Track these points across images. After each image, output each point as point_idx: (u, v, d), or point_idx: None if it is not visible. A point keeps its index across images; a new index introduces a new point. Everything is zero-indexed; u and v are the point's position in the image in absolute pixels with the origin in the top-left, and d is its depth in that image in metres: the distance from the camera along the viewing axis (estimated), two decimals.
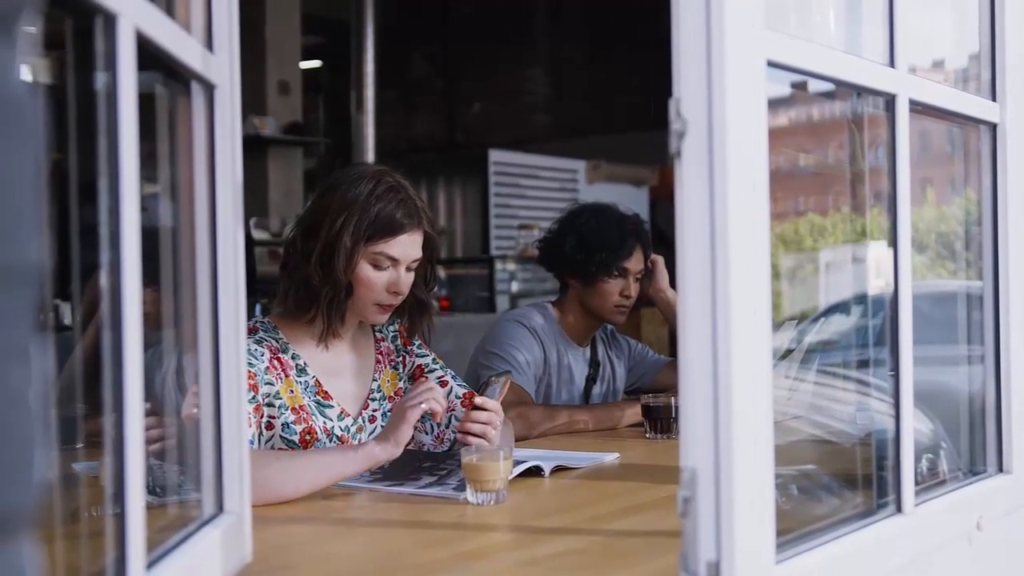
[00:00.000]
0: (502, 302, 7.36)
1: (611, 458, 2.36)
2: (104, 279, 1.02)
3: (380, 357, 2.39)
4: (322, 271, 2.17)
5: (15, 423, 0.54)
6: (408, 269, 2.24)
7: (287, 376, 2.20)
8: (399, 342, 2.43)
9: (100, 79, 1.02)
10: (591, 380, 3.14)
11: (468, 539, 1.69)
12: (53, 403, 0.62)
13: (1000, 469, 1.82)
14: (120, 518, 1.01)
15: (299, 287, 2.21)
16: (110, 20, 1.00)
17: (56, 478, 1.01)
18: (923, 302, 1.66)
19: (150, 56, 1.12)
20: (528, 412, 2.79)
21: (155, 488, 1.37)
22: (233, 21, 1.40)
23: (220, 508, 1.38)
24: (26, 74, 0.57)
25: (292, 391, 2.19)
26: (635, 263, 3.02)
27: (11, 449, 0.54)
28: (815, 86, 1.57)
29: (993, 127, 1.82)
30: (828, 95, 1.75)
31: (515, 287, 7.54)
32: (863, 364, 1.97)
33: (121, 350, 1.01)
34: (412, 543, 1.65)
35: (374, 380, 2.36)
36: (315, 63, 10.49)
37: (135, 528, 1.02)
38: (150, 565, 1.09)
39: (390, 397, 2.36)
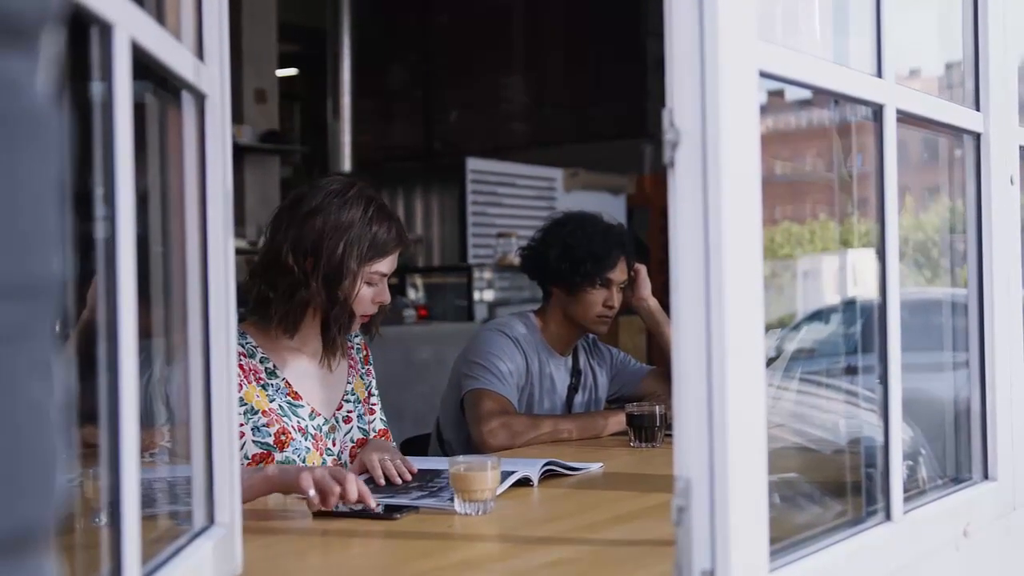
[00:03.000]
0: (480, 311, 7.35)
1: (596, 467, 2.36)
2: (99, 289, 1.01)
3: (352, 363, 2.47)
4: (328, 295, 2.24)
5: (38, 437, 0.54)
6: (388, 280, 2.35)
7: (251, 383, 2.24)
8: (361, 356, 2.51)
9: (95, 88, 1.01)
10: (573, 389, 3.14)
11: (458, 549, 1.69)
12: (74, 416, 0.61)
13: (985, 476, 1.83)
14: (115, 530, 1.00)
15: (298, 309, 2.26)
16: (106, 30, 1.00)
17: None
18: (902, 310, 1.67)
19: (141, 65, 1.11)
20: (512, 421, 2.79)
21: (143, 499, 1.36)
22: (224, 30, 1.39)
23: (211, 520, 1.37)
24: (48, 87, 0.57)
25: (258, 396, 2.24)
26: (619, 274, 3.02)
27: (34, 464, 0.53)
28: (792, 94, 1.58)
29: (977, 136, 1.84)
30: (805, 103, 1.76)
31: (493, 295, 7.53)
32: (845, 372, 1.98)
33: (116, 361, 1.00)
34: (402, 554, 1.65)
35: (348, 383, 2.43)
36: (291, 71, 10.46)
37: (130, 541, 1.01)
38: None
39: (363, 401, 2.45)
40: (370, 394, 2.51)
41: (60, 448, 0.56)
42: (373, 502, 1.86)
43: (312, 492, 1.82)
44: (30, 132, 0.55)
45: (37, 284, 0.54)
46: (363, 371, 2.50)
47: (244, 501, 1.93)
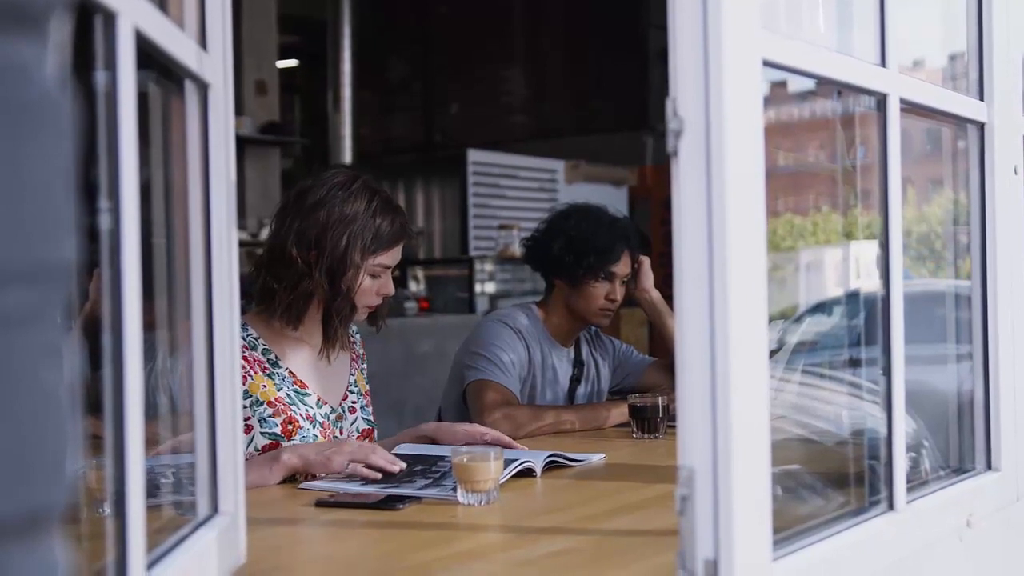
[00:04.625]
0: (481, 303, 7.35)
1: (598, 458, 2.36)
2: (104, 280, 1.01)
3: (354, 356, 2.50)
4: (330, 286, 2.26)
5: (48, 422, 0.54)
6: (391, 271, 2.37)
7: (257, 373, 2.26)
8: (360, 352, 2.55)
9: (99, 77, 1.01)
10: (575, 380, 3.14)
11: (461, 540, 1.69)
12: (82, 401, 0.61)
13: (989, 467, 1.83)
14: (120, 520, 1.00)
15: (301, 300, 2.28)
16: (110, 18, 0.99)
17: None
18: (905, 302, 1.67)
19: (144, 54, 1.11)
20: (515, 412, 2.79)
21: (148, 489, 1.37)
22: (226, 20, 1.39)
23: (215, 509, 1.37)
24: (58, 71, 0.57)
25: (265, 386, 2.26)
26: (623, 267, 3.02)
27: (45, 448, 0.53)
28: (795, 85, 1.58)
29: (981, 126, 1.83)
30: (809, 94, 1.76)
31: (495, 288, 7.53)
32: (848, 364, 1.98)
33: (121, 352, 1.00)
34: (405, 544, 1.65)
35: (351, 375, 2.46)
36: (292, 62, 10.46)
37: (135, 530, 1.01)
38: (149, 566, 1.08)
39: (364, 394, 2.48)
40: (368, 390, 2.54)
41: (71, 433, 0.56)
42: (400, 465, 2.07)
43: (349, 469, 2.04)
44: (40, 118, 0.55)
45: (48, 269, 0.54)
46: (362, 367, 2.53)
47: (258, 486, 1.99)
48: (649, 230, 7.57)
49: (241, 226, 7.18)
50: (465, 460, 1.87)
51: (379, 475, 2.04)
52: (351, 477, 2.07)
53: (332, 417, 2.35)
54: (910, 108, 1.62)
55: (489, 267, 7.54)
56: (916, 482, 1.71)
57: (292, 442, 2.22)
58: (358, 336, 2.54)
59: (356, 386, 2.46)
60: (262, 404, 2.23)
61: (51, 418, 0.54)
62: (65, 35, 0.61)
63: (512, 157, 8.27)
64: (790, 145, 2.04)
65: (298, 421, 2.25)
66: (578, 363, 3.15)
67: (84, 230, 1.02)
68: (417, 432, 2.46)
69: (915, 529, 1.58)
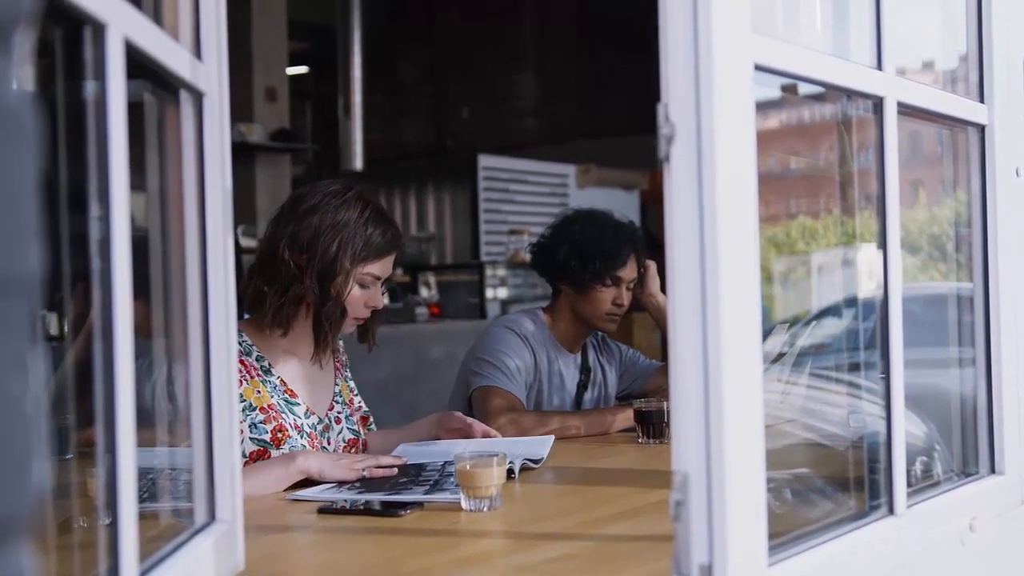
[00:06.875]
0: (492, 308, 7.35)
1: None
2: (95, 289, 1.01)
3: (338, 366, 2.52)
4: (320, 291, 2.28)
5: (13, 431, 0.54)
6: (383, 284, 2.39)
7: (252, 378, 2.28)
8: (344, 359, 2.57)
9: (89, 88, 1.02)
10: (582, 386, 3.14)
11: (463, 545, 1.69)
12: (48, 412, 0.62)
13: (992, 470, 1.82)
14: (113, 528, 1.01)
15: (291, 304, 2.29)
16: (99, 29, 1.00)
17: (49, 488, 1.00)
18: (914, 304, 1.66)
19: (138, 64, 1.12)
20: (520, 418, 2.79)
21: (144, 496, 1.37)
22: (221, 29, 1.39)
23: (212, 517, 1.37)
24: (22, 83, 0.57)
25: (259, 392, 2.28)
26: (629, 272, 3.01)
27: (9, 457, 0.54)
28: (804, 89, 1.58)
29: (981, 128, 1.83)
30: (817, 98, 1.76)
31: (506, 293, 7.53)
32: (855, 367, 1.98)
33: (112, 360, 1.01)
34: (406, 550, 1.65)
35: (336, 385, 2.48)
36: (302, 68, 10.47)
37: (128, 538, 1.01)
38: (144, 573, 1.08)
39: (348, 403, 2.50)
40: (354, 394, 2.56)
41: (37, 442, 0.56)
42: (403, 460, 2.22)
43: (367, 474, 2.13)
44: (5, 129, 0.55)
45: (13, 279, 0.54)
46: (346, 375, 2.56)
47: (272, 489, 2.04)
48: (660, 234, 7.55)
49: (251, 233, 7.18)
50: (468, 467, 1.87)
51: (395, 471, 2.15)
52: (340, 486, 2.08)
53: (319, 428, 2.37)
54: (908, 111, 1.61)
55: (500, 272, 7.54)
56: (925, 485, 1.70)
57: (280, 451, 2.24)
58: (341, 343, 2.56)
59: (341, 396, 2.48)
60: (255, 409, 2.25)
61: (15, 427, 0.54)
62: (31, 47, 0.61)
63: (523, 162, 8.26)
64: (802, 148, 2.03)
65: (287, 430, 2.27)
66: (585, 369, 3.15)
67: (86, 240, 1.03)
68: (447, 422, 2.52)
69: (916, 533, 1.57)
